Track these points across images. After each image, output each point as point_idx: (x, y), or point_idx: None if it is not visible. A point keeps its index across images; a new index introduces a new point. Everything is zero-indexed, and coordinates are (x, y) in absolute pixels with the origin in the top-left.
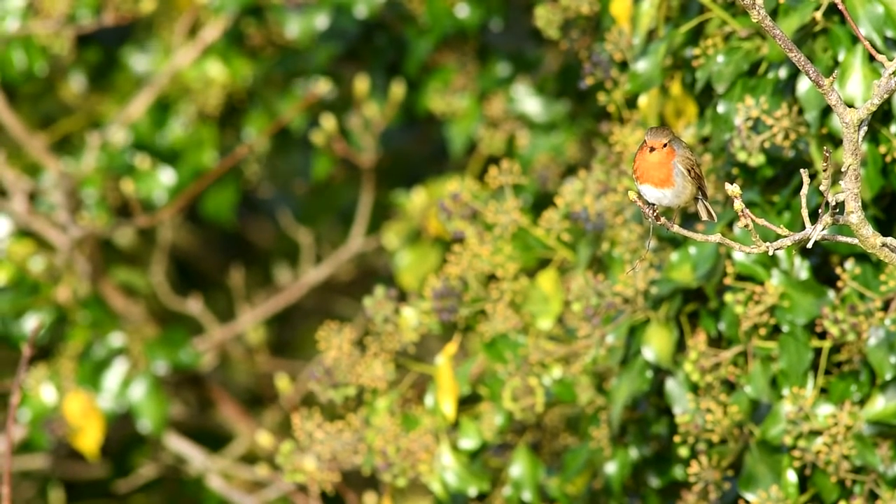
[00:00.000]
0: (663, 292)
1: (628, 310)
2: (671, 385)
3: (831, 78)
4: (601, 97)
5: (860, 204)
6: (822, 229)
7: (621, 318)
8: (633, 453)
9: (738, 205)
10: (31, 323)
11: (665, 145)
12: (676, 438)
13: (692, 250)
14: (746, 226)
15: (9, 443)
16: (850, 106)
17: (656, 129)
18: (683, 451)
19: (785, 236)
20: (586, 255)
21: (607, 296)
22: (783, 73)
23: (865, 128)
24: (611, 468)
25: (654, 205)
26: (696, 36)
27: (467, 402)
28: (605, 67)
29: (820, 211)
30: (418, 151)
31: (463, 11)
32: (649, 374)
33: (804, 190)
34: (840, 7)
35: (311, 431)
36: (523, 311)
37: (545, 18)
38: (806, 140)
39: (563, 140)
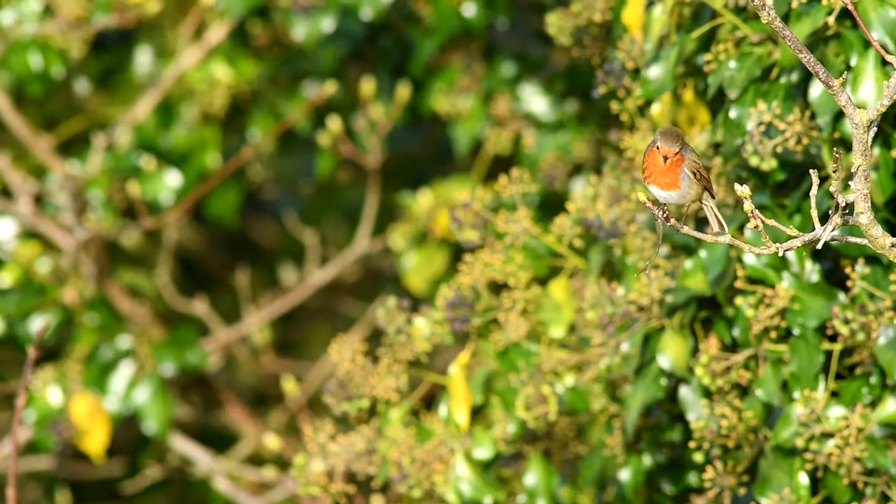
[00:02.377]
0: (678, 300)
1: (643, 318)
2: (685, 391)
3: (840, 79)
4: (614, 105)
5: (869, 205)
6: (832, 230)
7: (636, 326)
8: (647, 460)
9: (748, 206)
10: (38, 324)
11: (677, 153)
12: (691, 444)
13: (703, 254)
14: (756, 227)
15: (14, 444)
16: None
17: (668, 134)
18: (699, 457)
19: (795, 237)
20: (599, 262)
21: (622, 304)
22: (795, 77)
23: (875, 129)
24: (624, 475)
25: (663, 205)
26: (707, 42)
27: (477, 411)
28: (618, 76)
29: (830, 212)
30: (424, 152)
31: (469, 10)
32: (664, 381)
33: (813, 191)
34: (852, 11)
35: (325, 444)
36: (535, 319)
37: (557, 25)
38: (818, 144)
39: (570, 139)
